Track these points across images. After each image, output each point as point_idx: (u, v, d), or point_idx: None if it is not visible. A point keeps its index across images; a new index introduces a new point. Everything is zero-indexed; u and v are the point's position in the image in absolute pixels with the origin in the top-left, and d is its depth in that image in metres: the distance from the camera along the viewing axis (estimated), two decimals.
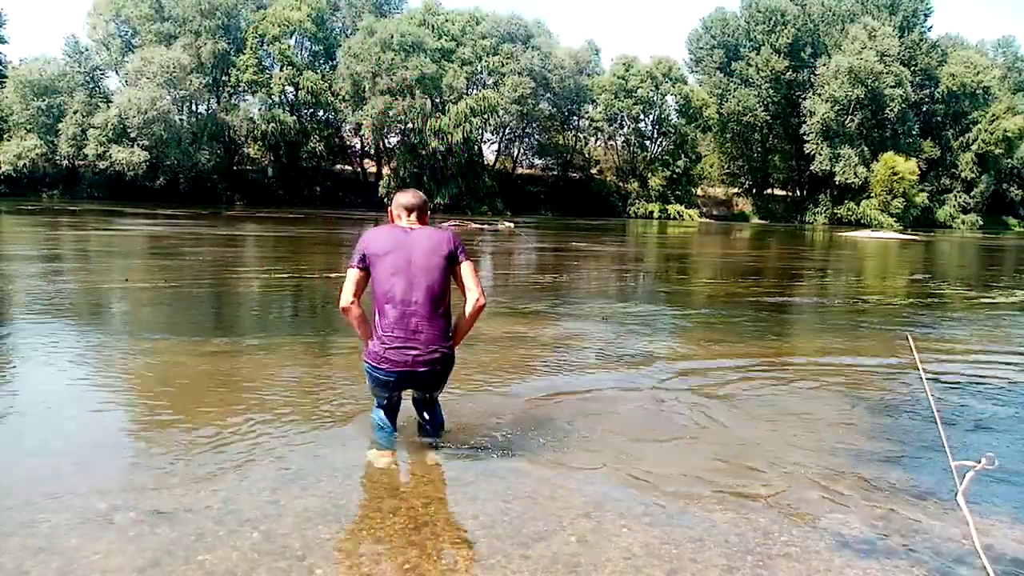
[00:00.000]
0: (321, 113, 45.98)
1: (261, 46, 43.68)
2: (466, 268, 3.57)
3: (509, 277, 13.41)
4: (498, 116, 45.18)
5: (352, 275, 3.54)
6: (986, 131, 54.35)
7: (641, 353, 6.34)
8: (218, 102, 44.88)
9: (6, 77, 39.59)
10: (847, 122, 50.59)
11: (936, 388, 5.19)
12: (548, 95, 47.62)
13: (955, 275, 17.50)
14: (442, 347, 3.50)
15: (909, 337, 4.55)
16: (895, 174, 48.68)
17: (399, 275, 3.45)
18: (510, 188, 47.81)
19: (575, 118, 51.50)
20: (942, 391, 5.16)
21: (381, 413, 3.73)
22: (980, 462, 3.54)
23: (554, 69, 46.94)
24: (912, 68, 52.36)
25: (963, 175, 55.92)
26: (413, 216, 3.68)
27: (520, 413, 4.26)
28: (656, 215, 48.11)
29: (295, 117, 43.72)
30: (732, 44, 53.71)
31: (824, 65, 50.52)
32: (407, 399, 3.84)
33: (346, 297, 3.48)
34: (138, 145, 37.46)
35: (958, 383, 5.54)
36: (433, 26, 44.61)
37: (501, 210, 42.97)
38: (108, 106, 38.65)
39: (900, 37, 52.07)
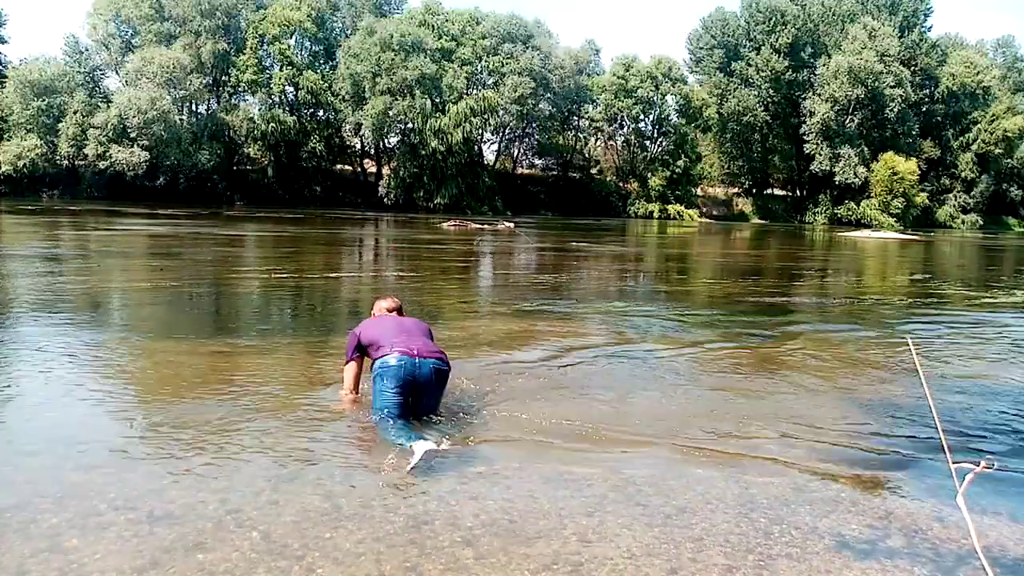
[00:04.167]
0: (321, 113, 45.91)
1: (261, 46, 43.64)
2: None
3: (509, 277, 13.41)
4: (498, 116, 45.15)
5: (349, 370, 4.28)
6: (986, 131, 54.35)
7: (641, 353, 6.33)
8: (218, 102, 44.84)
9: (6, 77, 39.53)
10: (847, 122, 50.57)
11: (936, 389, 5.18)
12: (548, 95, 47.56)
13: (955, 275, 17.50)
14: (439, 353, 4.09)
15: (909, 340, 4.55)
16: (895, 174, 48.67)
17: (391, 325, 4.20)
18: (510, 188, 47.78)
19: (575, 118, 51.42)
20: (942, 392, 5.15)
21: (389, 420, 3.82)
22: (980, 463, 3.55)
23: (554, 69, 46.91)
24: (912, 68, 52.34)
25: (963, 175, 55.92)
26: (394, 315, 4.51)
27: (520, 412, 4.26)
28: (656, 215, 48.06)
29: (295, 117, 43.67)
30: (732, 44, 53.64)
31: (824, 65, 50.49)
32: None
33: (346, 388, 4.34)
34: (138, 145, 37.39)
35: (958, 384, 5.53)
36: (433, 26, 44.58)
37: (501, 210, 42.96)
38: (108, 106, 38.58)
39: (900, 37, 52.05)
